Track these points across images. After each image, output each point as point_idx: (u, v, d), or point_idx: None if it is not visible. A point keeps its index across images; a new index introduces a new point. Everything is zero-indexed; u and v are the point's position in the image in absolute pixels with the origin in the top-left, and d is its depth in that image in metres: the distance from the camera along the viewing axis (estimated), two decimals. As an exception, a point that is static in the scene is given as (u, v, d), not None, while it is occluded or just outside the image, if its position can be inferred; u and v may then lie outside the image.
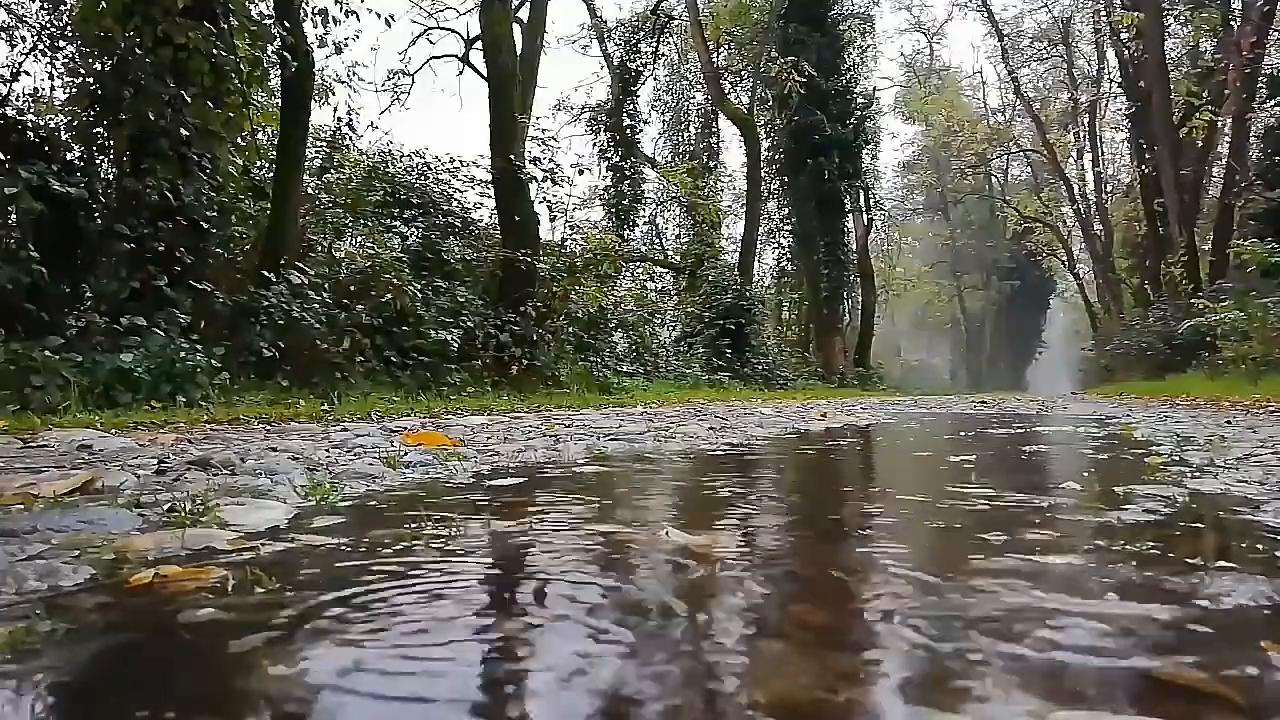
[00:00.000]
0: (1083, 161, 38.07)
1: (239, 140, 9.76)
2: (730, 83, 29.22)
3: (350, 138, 14.20)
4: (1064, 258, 41.39)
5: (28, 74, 9.04)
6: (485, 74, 15.10)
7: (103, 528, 1.62)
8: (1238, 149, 21.74)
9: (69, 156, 8.35)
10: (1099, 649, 0.95)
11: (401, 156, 15.66)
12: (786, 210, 30.37)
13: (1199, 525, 1.84)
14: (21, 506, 1.84)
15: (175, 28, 7.96)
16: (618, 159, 26.44)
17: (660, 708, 0.80)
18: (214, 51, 8.40)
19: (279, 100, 10.76)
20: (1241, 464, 2.89)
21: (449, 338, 11.09)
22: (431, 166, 15.67)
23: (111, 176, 8.49)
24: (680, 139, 31.03)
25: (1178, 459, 3.15)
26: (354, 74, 18.26)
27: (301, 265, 9.68)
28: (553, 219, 16.57)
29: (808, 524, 1.90)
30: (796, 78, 24.19)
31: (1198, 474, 2.63)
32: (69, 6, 9.07)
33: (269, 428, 5.37)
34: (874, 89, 32.64)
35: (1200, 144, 22.85)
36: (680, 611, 1.12)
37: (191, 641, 1.00)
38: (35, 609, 1.10)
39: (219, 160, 8.77)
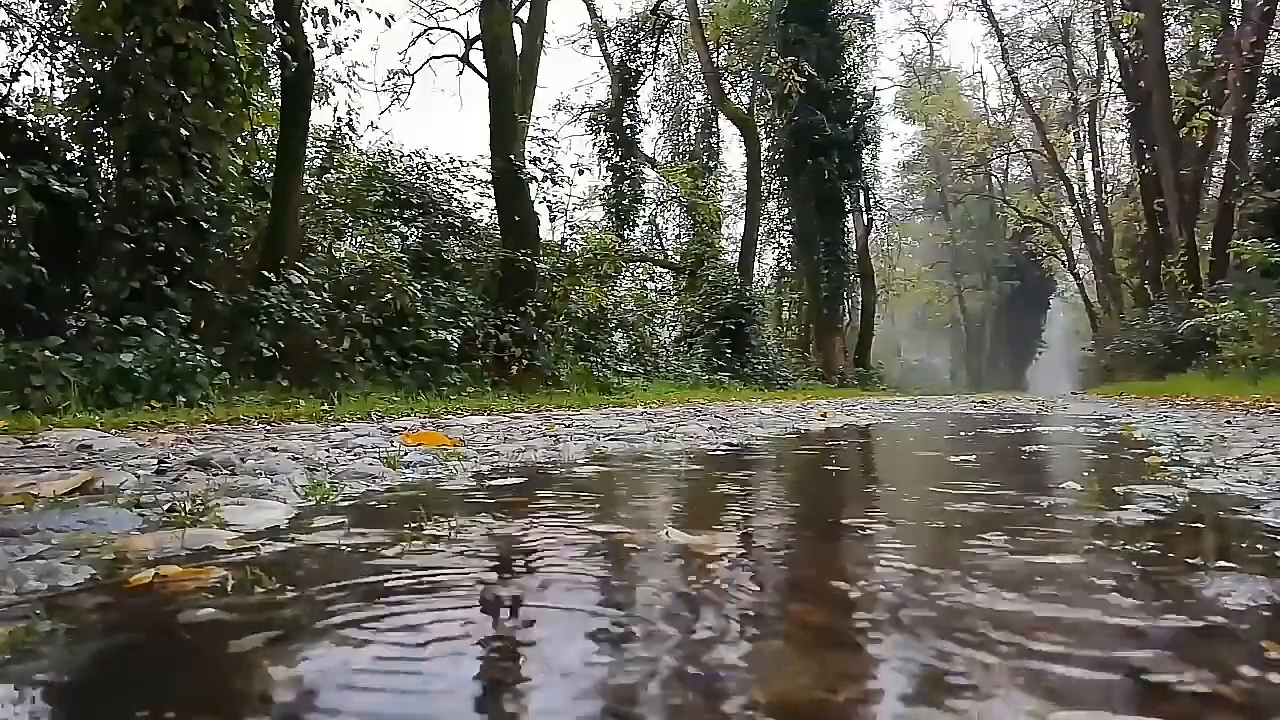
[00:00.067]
0: (1083, 161, 38.12)
1: (239, 140, 9.77)
2: (730, 83, 29.23)
3: (350, 138, 14.21)
4: (1064, 258, 41.40)
5: (28, 74, 9.05)
6: (485, 74, 15.11)
7: (103, 528, 1.62)
8: (1238, 149, 21.74)
9: (69, 156, 8.35)
10: (1099, 649, 0.95)
11: (401, 156, 15.66)
12: (786, 210, 30.38)
13: (1199, 525, 1.84)
14: (21, 506, 1.84)
15: (175, 28, 7.96)
16: (618, 159, 26.44)
17: (660, 707, 0.80)
18: (214, 51, 8.40)
19: (279, 100, 10.76)
20: (1241, 464, 2.89)
21: (449, 338, 11.09)
22: (431, 166, 15.67)
23: (111, 176, 8.49)
24: (680, 139, 31.04)
25: (1178, 459, 3.15)
26: (354, 74, 18.29)
27: (301, 265, 9.68)
28: (553, 219, 16.59)
29: (808, 524, 1.90)
30: (796, 78, 24.19)
31: (1198, 474, 2.63)
32: (69, 6, 9.07)
33: (269, 428, 5.37)
34: (874, 89, 32.69)
35: (1200, 144, 22.85)
36: (680, 611, 1.12)
37: (191, 641, 1.00)
38: (35, 609, 1.10)
39: (219, 160, 8.77)
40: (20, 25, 9.23)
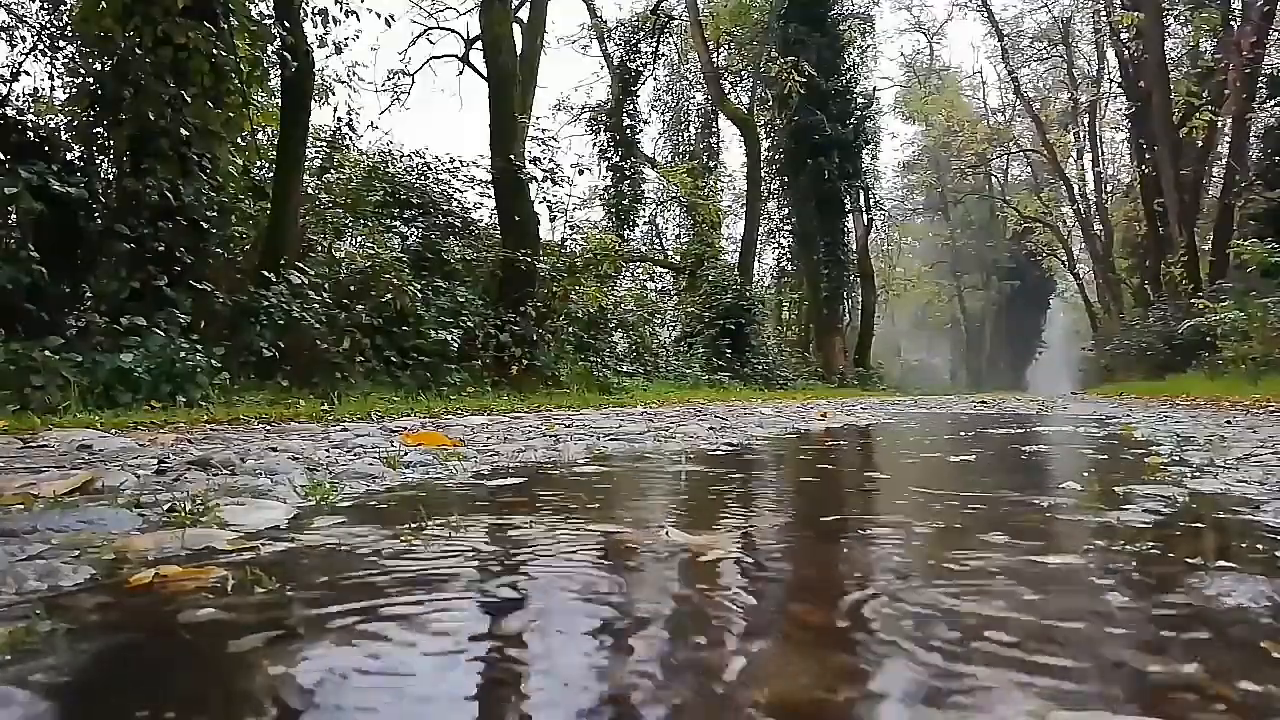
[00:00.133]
0: (1083, 161, 38.12)
1: (239, 140, 9.76)
2: (730, 83, 29.22)
3: (350, 138, 14.21)
4: (1064, 258, 41.40)
5: (28, 74, 9.05)
6: (485, 74, 15.11)
7: (103, 528, 1.62)
8: (1238, 149, 21.74)
9: (69, 156, 8.34)
10: (1099, 649, 0.95)
11: (401, 156, 15.66)
12: (786, 210, 30.38)
13: (1199, 525, 1.84)
14: (21, 506, 1.84)
15: (175, 28, 7.96)
16: (618, 159, 26.44)
17: (660, 707, 0.80)
18: (214, 51, 8.40)
19: (279, 100, 10.76)
20: (1241, 464, 2.89)
21: (449, 338, 11.09)
22: (431, 166, 15.67)
23: (111, 176, 8.49)
24: (680, 139, 31.04)
25: (1178, 459, 3.15)
26: (354, 74, 18.30)
27: (301, 265, 9.68)
28: (553, 219, 16.59)
29: (808, 524, 1.90)
30: (796, 78, 24.19)
31: (1198, 474, 2.63)
32: (69, 6, 9.07)
33: (269, 428, 5.37)
34: (874, 89, 32.69)
35: (1200, 144, 22.85)
36: (680, 611, 1.12)
37: (191, 641, 1.00)
38: (35, 609, 1.10)
39: (219, 160, 8.77)
40: (20, 25, 9.23)
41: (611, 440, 4.32)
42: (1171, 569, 1.35)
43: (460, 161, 15.87)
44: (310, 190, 12.26)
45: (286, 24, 9.51)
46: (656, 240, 30.26)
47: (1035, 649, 0.94)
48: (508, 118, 13.48)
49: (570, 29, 73.46)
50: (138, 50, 8.01)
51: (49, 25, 9.18)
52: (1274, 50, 21.88)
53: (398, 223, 14.53)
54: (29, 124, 8.25)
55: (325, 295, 9.71)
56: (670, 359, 19.74)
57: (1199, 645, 0.96)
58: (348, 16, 10.42)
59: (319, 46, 10.37)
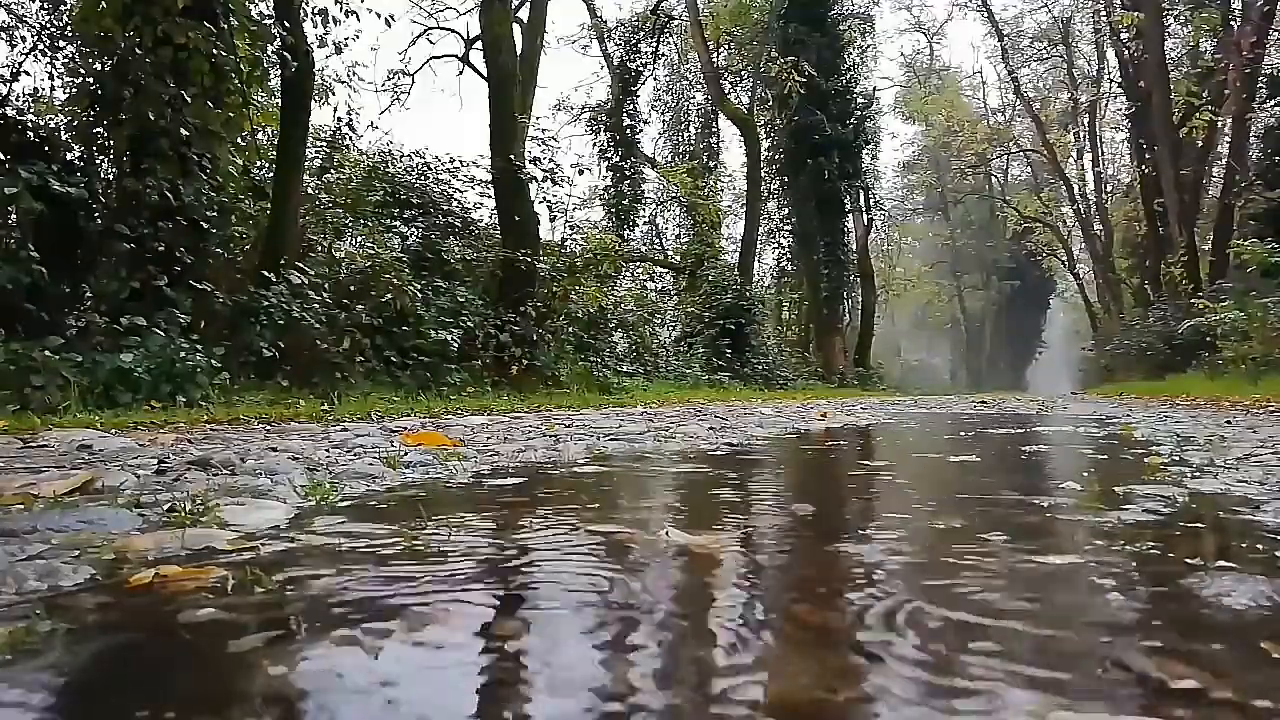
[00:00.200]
0: (1083, 161, 38.14)
1: (239, 140, 9.77)
2: (730, 83, 29.23)
3: (350, 138, 14.21)
4: (1064, 258, 41.40)
5: (28, 74, 9.05)
6: (485, 74, 15.11)
7: (103, 528, 1.62)
8: (1238, 149, 21.74)
9: (69, 156, 8.35)
10: (1099, 649, 0.95)
11: (401, 156, 15.67)
12: (786, 210, 30.38)
13: (1199, 525, 1.84)
14: (21, 506, 1.84)
15: (175, 28, 7.96)
16: (618, 159, 26.45)
17: (660, 707, 0.80)
18: (214, 51, 8.40)
19: (279, 100, 10.76)
20: (1241, 464, 2.89)
21: (449, 338, 11.09)
22: (431, 166, 15.68)
23: (111, 176, 8.49)
24: (680, 139, 31.05)
25: (1178, 459, 3.15)
26: (354, 74, 18.31)
27: (301, 265, 9.68)
28: (553, 219, 16.60)
29: (808, 524, 1.90)
30: (796, 78, 24.19)
31: (1198, 474, 2.63)
32: (69, 6, 9.07)
33: (269, 428, 5.37)
34: (874, 89, 32.71)
35: (1200, 144, 22.86)
36: (680, 611, 1.12)
37: (191, 641, 1.00)
38: (35, 609, 1.10)
39: (219, 160, 8.78)
40: (20, 25, 9.24)
41: (611, 440, 4.32)
42: (1171, 569, 1.35)
43: (460, 161, 15.90)
44: (310, 190, 12.26)
45: (286, 24, 9.51)
46: (656, 240, 30.27)
47: (1035, 649, 0.94)
48: (508, 118, 13.48)
49: (570, 29, 73.51)
50: (138, 50, 8.01)
51: (49, 25, 9.19)
52: (1274, 50, 21.89)
53: (398, 223, 14.54)
54: (29, 124, 8.25)
55: (325, 295, 9.71)
56: (670, 359, 19.74)
57: (1199, 645, 0.96)
58: (348, 16, 10.43)
59: (319, 46, 10.39)
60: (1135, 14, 23.51)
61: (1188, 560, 1.40)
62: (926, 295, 54.35)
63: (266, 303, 8.74)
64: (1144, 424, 5.84)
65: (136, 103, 7.90)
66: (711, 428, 5.65)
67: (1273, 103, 19.73)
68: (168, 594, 1.18)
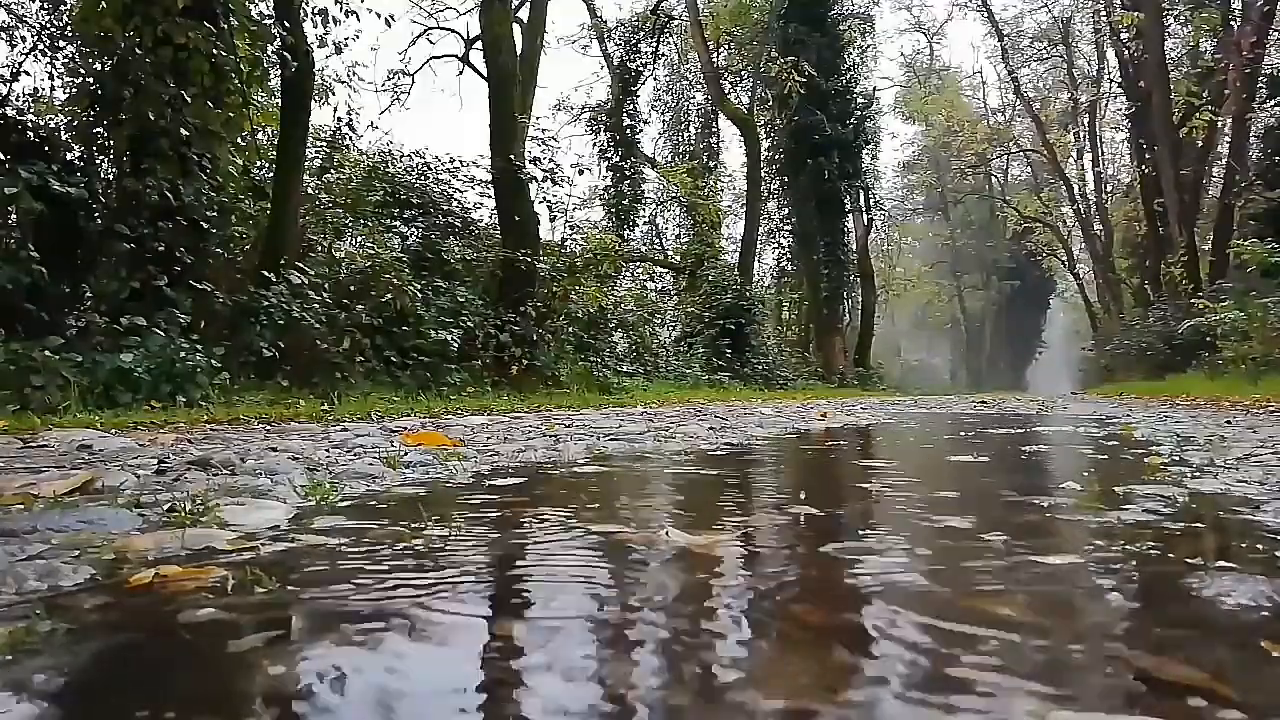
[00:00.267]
0: (1083, 161, 38.12)
1: (239, 140, 9.77)
2: (730, 83, 29.23)
3: (350, 138, 14.21)
4: (1064, 258, 41.39)
5: (28, 74, 9.06)
6: (485, 74, 15.11)
7: (103, 528, 1.62)
8: (1238, 149, 21.73)
9: (69, 156, 8.35)
10: (1099, 648, 0.95)
11: (401, 156, 15.67)
12: (786, 210, 30.39)
13: (1199, 525, 1.84)
14: (21, 506, 1.84)
15: (175, 28, 7.96)
16: (618, 159, 26.45)
17: (660, 707, 0.80)
18: (214, 51, 8.40)
19: (279, 100, 10.76)
20: (1241, 464, 2.89)
21: (449, 338, 11.09)
22: (431, 166, 15.68)
23: (111, 176, 8.49)
24: (680, 139, 31.05)
25: (1178, 459, 3.15)
26: (354, 74, 18.31)
27: (301, 265, 9.69)
28: (553, 219, 16.60)
29: (808, 524, 1.90)
30: (796, 78, 24.19)
31: (1198, 474, 2.63)
32: (69, 6, 9.07)
33: (269, 428, 5.37)
34: (874, 89, 32.70)
35: (1200, 144, 22.85)
36: (680, 611, 1.12)
37: (191, 641, 1.00)
38: (35, 609, 1.10)
39: (219, 160, 8.78)
40: (20, 25, 9.24)
41: (611, 440, 4.32)
42: (1171, 569, 1.35)
43: (460, 161, 15.91)
44: (310, 190, 12.26)
45: (286, 24, 9.51)
46: (656, 240, 30.27)
47: (1035, 648, 0.94)
48: (508, 118, 13.48)
49: (570, 29, 73.57)
50: (138, 50, 8.01)
51: (49, 25, 9.19)
52: (1274, 50, 21.88)
53: (398, 223, 14.54)
54: (29, 124, 8.26)
55: (325, 295, 9.71)
56: (670, 359, 19.74)
57: (1199, 645, 0.96)
58: (348, 16, 10.43)
59: (319, 46, 10.39)
60: (1135, 14, 23.51)
61: (1188, 560, 1.40)
62: (926, 295, 54.35)
63: (266, 303, 8.74)
64: (1144, 424, 5.84)
65: (136, 103, 7.90)
66: (711, 428, 5.65)
67: (1273, 103, 19.72)
68: (168, 594, 1.18)
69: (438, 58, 26.70)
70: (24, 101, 9.04)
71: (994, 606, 1.12)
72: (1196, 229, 23.49)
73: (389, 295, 10.59)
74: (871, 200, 32.00)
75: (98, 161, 8.58)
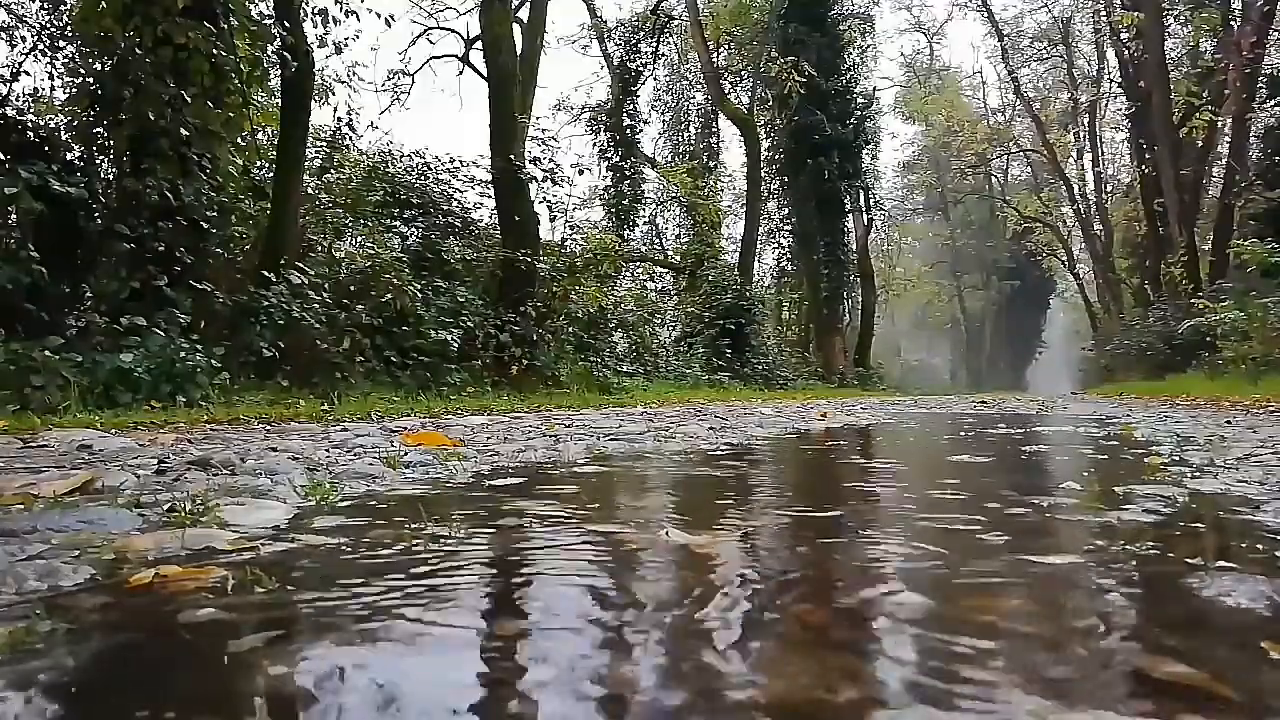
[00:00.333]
0: (1083, 161, 38.12)
1: (239, 140, 9.76)
2: (730, 83, 29.23)
3: (350, 138, 14.21)
4: (1064, 258, 41.39)
5: (28, 74, 9.05)
6: (485, 74, 15.11)
7: (103, 528, 1.62)
8: (1238, 149, 21.73)
9: (69, 156, 8.34)
10: (1099, 648, 0.95)
11: (401, 156, 15.67)
12: (786, 210, 30.39)
13: (1199, 525, 1.84)
14: (21, 506, 1.84)
15: (175, 28, 7.96)
16: (618, 159, 26.45)
17: (660, 707, 0.80)
18: (214, 51, 8.40)
19: (279, 100, 10.76)
20: (1241, 464, 2.89)
21: (449, 338, 11.09)
22: (431, 166, 15.68)
23: (111, 176, 8.49)
24: (680, 139, 31.05)
25: (1178, 459, 3.15)
26: (354, 74, 18.31)
27: (301, 265, 9.68)
28: (553, 219, 16.60)
29: (808, 525, 1.90)
30: (796, 78, 24.19)
31: (1198, 474, 2.63)
32: (69, 6, 9.07)
33: (269, 428, 5.37)
34: (874, 89, 32.70)
35: (1200, 144, 22.85)
36: (680, 611, 1.12)
37: (191, 641, 1.00)
38: (35, 609, 1.10)
39: (219, 160, 8.77)
40: (20, 25, 9.23)
41: (611, 440, 4.32)
42: (1171, 569, 1.35)
43: (460, 161, 15.90)
44: (310, 190, 12.26)
45: (286, 24, 9.51)
46: (656, 240, 30.28)
47: (1035, 648, 0.94)
48: (508, 118, 13.48)
49: (570, 29, 73.53)
50: (138, 50, 8.01)
51: (49, 25, 9.18)
52: (1274, 50, 21.88)
53: (398, 223, 14.54)
54: (29, 124, 8.25)
55: (325, 295, 9.71)
56: (670, 359, 19.74)
57: (1199, 645, 0.96)
58: (348, 16, 10.43)
59: (319, 46, 10.38)
60: (1135, 14, 23.50)
61: (1188, 560, 1.40)
62: (926, 295, 54.35)
63: (266, 303, 8.74)
64: (1144, 424, 5.84)
65: (136, 103, 7.90)
66: (711, 428, 5.65)
67: (1273, 103, 19.72)
68: (168, 594, 1.18)
69: (438, 58, 26.74)
70: (24, 101, 9.04)
71: (994, 607, 1.12)
72: (1196, 229, 23.49)
73: (389, 295, 10.58)
74: (871, 200, 32.00)
75: (98, 161, 8.58)
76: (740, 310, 22.03)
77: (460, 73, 25.34)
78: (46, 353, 6.22)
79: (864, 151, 29.90)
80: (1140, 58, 24.84)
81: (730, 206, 32.54)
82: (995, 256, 52.35)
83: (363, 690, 0.83)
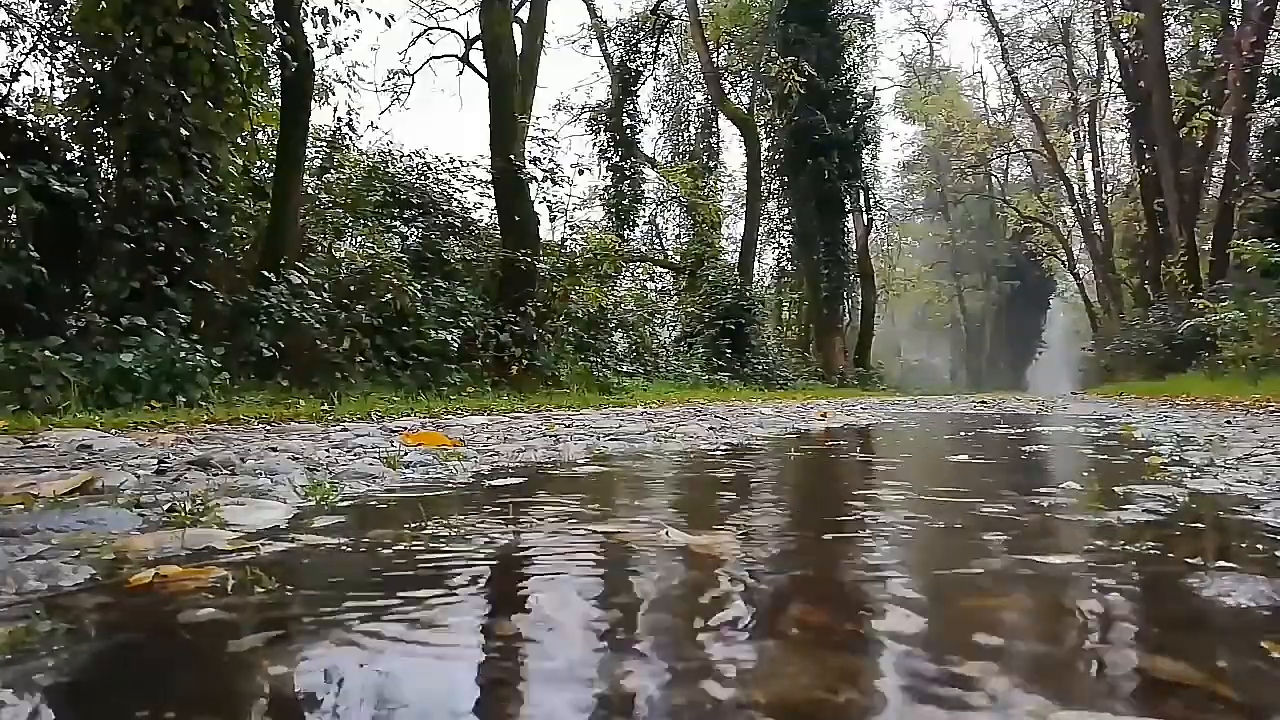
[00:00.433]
0: (1083, 161, 38.12)
1: (239, 140, 9.76)
2: (730, 83, 29.23)
3: (350, 138, 14.21)
4: (1064, 258, 41.39)
5: (28, 74, 9.05)
6: (485, 74, 15.11)
7: (103, 528, 1.62)
8: (1238, 149, 21.73)
9: (69, 156, 8.34)
10: (1099, 648, 0.95)
11: (401, 156, 15.67)
12: (786, 210, 30.39)
13: (1199, 525, 1.84)
14: (21, 506, 1.84)
15: (175, 28, 7.96)
16: (618, 159, 26.45)
17: (660, 707, 0.80)
18: (214, 51, 8.40)
19: (279, 100, 10.76)
20: (1241, 464, 2.89)
21: (449, 338, 11.09)
22: (431, 166, 15.68)
23: (111, 176, 8.49)
24: (680, 139, 31.05)
25: (1178, 459, 3.15)
26: (354, 74, 18.30)
27: (301, 265, 9.68)
28: (553, 219, 16.60)
29: (808, 524, 1.90)
30: (796, 78, 24.19)
31: (1198, 474, 2.63)
32: (69, 6, 9.07)
33: (269, 428, 5.37)
34: (874, 89, 32.69)
35: (1200, 144, 22.84)
36: (680, 611, 1.12)
37: (191, 641, 1.00)
38: (35, 609, 1.10)
39: (219, 160, 8.77)
40: (20, 25, 9.23)
41: (611, 440, 4.32)
42: (1171, 568, 1.35)
43: (460, 161, 15.90)
44: (310, 190, 12.26)
45: (286, 24, 9.51)
46: (656, 240, 30.28)
47: (1035, 648, 0.94)
48: (508, 118, 13.48)
49: (570, 29, 73.54)
50: (138, 50, 8.01)
51: (49, 25, 9.18)
52: (1274, 50, 21.88)
53: (398, 223, 14.53)
54: (29, 124, 8.25)
55: (325, 295, 9.70)
56: (670, 359, 19.74)
57: (1199, 645, 0.96)
58: (348, 16, 10.42)
59: (319, 46, 10.38)
60: (1135, 14, 23.50)
61: (1188, 560, 1.40)
62: (926, 295, 54.34)
63: (266, 303, 8.74)
64: (1144, 424, 5.84)
65: (136, 103, 7.90)
66: (711, 428, 5.65)
67: (1273, 103, 19.72)
68: (168, 594, 1.18)
69: (438, 58, 26.75)
70: (24, 101, 9.04)
71: (995, 606, 1.12)
72: (1196, 229, 23.49)
73: (389, 295, 10.58)
74: (871, 200, 32.00)
75: (98, 161, 8.58)
76: (740, 310, 22.03)
77: (460, 73, 25.38)
78: (46, 353, 6.22)
79: (864, 151, 29.90)
80: (1140, 58, 24.84)
81: (730, 206, 32.55)
82: (995, 256, 52.34)
83: (363, 690, 0.83)
